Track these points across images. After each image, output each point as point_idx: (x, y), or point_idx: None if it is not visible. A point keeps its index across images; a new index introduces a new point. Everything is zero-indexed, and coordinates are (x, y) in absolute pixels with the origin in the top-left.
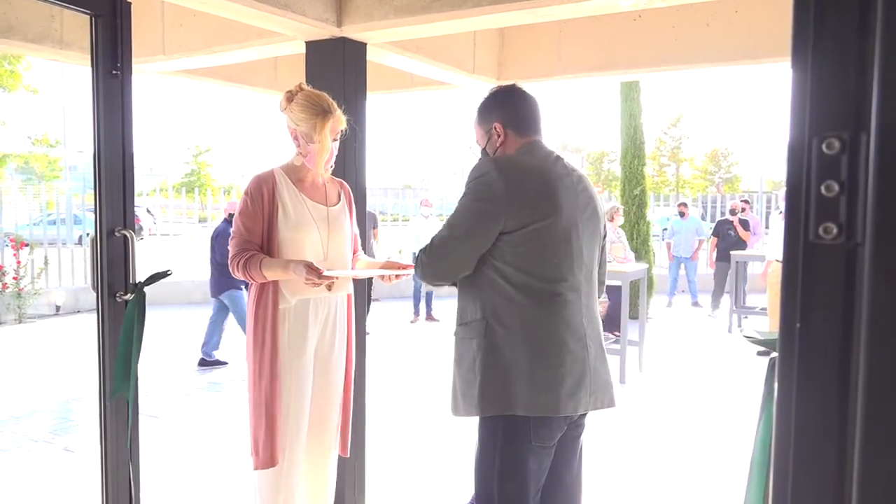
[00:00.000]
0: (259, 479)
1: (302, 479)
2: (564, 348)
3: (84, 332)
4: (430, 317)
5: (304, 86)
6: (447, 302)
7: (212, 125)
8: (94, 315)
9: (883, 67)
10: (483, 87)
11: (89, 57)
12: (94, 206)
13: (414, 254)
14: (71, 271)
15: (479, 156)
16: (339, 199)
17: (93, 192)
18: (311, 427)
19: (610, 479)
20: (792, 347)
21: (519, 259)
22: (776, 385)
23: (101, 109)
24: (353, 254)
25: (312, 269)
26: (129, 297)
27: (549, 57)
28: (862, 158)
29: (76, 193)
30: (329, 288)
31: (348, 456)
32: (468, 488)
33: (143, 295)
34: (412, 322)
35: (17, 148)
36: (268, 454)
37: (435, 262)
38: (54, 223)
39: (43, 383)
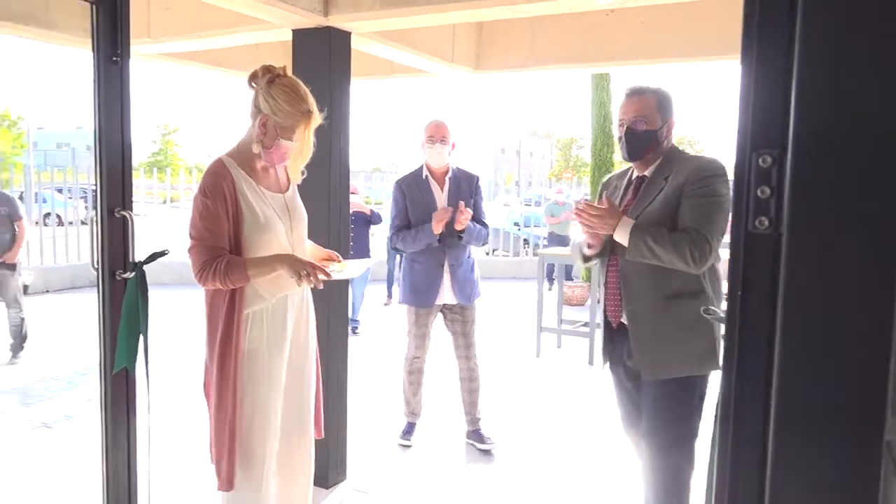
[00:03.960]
0: (230, 496)
1: (274, 489)
2: None
3: (52, 311)
4: None
5: (288, 71)
6: None
7: (181, 105)
8: (63, 295)
9: (797, 98)
10: (461, 76)
11: (87, 41)
12: (95, 188)
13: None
14: (39, 251)
15: (638, 134)
16: (290, 182)
17: (91, 173)
18: (291, 426)
19: (579, 464)
20: (734, 310)
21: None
22: (721, 344)
23: (101, 95)
24: None
25: (316, 267)
26: (128, 275)
27: (523, 49)
28: (786, 170)
29: (45, 172)
30: (300, 283)
31: (323, 437)
32: (445, 465)
33: (143, 273)
34: (385, 304)
35: None
36: (227, 477)
37: (717, 245)
38: (21, 201)
39: (14, 361)
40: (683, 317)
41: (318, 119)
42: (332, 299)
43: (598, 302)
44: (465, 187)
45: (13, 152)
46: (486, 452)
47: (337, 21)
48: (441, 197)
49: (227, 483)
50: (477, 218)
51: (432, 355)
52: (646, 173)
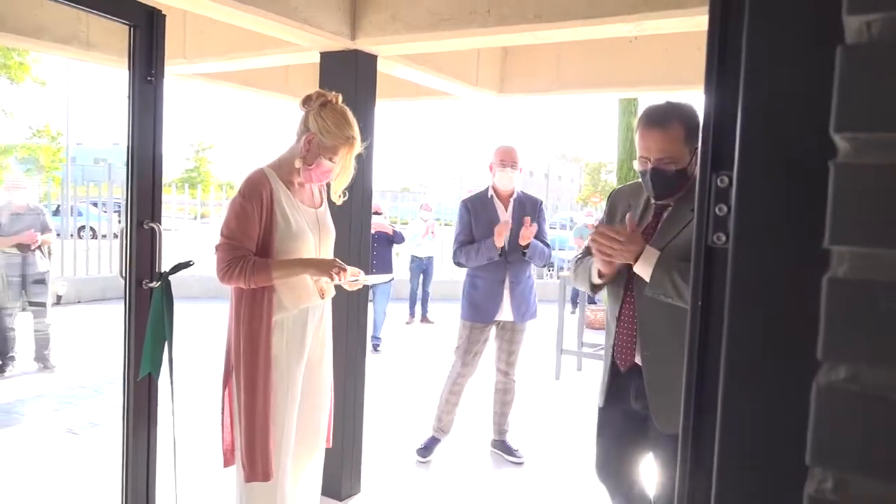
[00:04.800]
0: (249, 491)
1: (292, 486)
2: None
3: (84, 321)
4: (424, 319)
5: (339, 99)
6: (441, 305)
7: (215, 123)
8: (94, 305)
9: (741, 127)
10: (485, 99)
11: (124, 61)
12: (125, 200)
13: (415, 257)
14: (73, 262)
15: (667, 175)
16: (323, 199)
17: (123, 186)
18: (303, 432)
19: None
20: (696, 318)
21: None
22: (686, 344)
23: (135, 113)
24: None
25: (342, 265)
26: (154, 284)
27: (548, 73)
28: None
29: (81, 187)
30: (323, 295)
31: (331, 446)
32: (461, 479)
33: (169, 283)
34: (407, 323)
35: (21, 138)
36: (264, 468)
37: None
38: (56, 214)
39: (33, 369)
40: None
41: (359, 147)
42: (352, 314)
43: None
44: (528, 209)
45: (52, 166)
46: (516, 465)
47: (363, 44)
48: (505, 217)
49: (264, 475)
50: (540, 238)
51: (449, 359)
52: (668, 200)
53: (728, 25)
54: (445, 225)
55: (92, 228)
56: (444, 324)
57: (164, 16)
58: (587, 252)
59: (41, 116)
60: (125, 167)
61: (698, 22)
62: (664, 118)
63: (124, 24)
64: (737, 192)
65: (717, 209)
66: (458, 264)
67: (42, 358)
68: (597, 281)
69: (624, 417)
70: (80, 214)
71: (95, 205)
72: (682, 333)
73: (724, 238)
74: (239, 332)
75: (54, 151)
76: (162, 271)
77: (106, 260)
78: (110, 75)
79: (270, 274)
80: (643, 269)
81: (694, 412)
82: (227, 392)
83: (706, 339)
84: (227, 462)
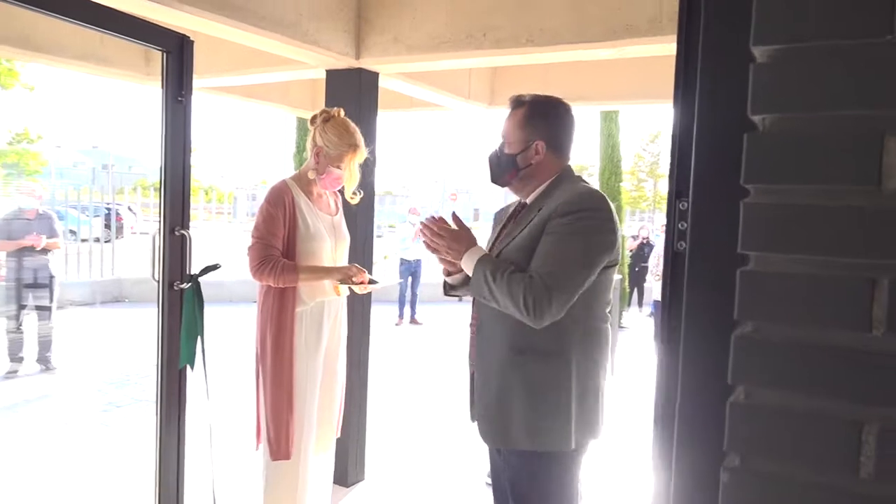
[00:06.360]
0: (272, 470)
1: (311, 468)
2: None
3: (77, 324)
4: (413, 320)
5: (341, 113)
6: (429, 307)
7: (199, 127)
8: (84, 309)
9: (694, 173)
10: (476, 111)
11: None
12: (158, 210)
13: (404, 260)
14: (65, 266)
15: (499, 157)
16: (339, 209)
17: (159, 196)
18: (319, 420)
19: None
20: (665, 304)
21: (600, 293)
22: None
23: (168, 130)
24: None
25: (359, 269)
26: (185, 286)
27: (536, 88)
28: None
29: (72, 192)
30: (339, 292)
31: (340, 436)
32: (462, 468)
33: (199, 284)
34: (396, 325)
35: (2, 143)
36: (287, 447)
37: (566, 298)
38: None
39: (35, 370)
40: (529, 380)
41: (363, 153)
42: (356, 309)
43: None
44: None
45: (33, 170)
46: None
47: (367, 63)
48: None
49: (286, 453)
50: None
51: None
52: (527, 201)
53: (685, 104)
54: None
55: (73, 231)
56: (432, 325)
57: (193, 42)
58: None
59: (24, 121)
60: (159, 179)
61: (672, 48)
62: (515, 103)
63: (158, 50)
64: (691, 214)
65: (679, 225)
66: None
67: (44, 360)
68: (449, 280)
69: None
70: (61, 218)
71: (76, 208)
72: (511, 338)
73: (684, 245)
74: (267, 323)
75: (36, 155)
76: (192, 273)
77: (97, 264)
78: (89, 80)
79: (297, 276)
80: (468, 268)
81: (665, 347)
82: (258, 379)
83: (670, 309)
84: (259, 442)
